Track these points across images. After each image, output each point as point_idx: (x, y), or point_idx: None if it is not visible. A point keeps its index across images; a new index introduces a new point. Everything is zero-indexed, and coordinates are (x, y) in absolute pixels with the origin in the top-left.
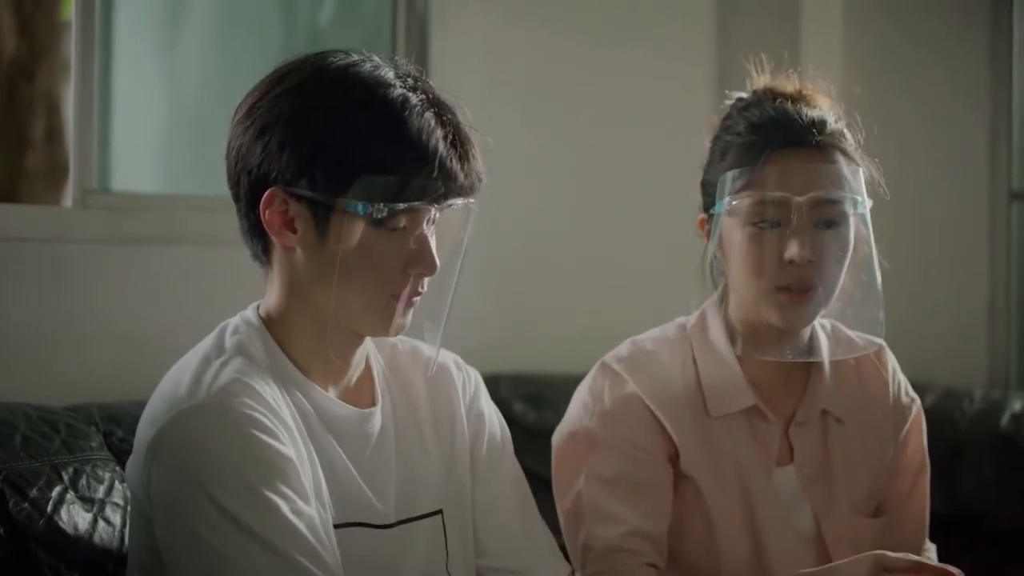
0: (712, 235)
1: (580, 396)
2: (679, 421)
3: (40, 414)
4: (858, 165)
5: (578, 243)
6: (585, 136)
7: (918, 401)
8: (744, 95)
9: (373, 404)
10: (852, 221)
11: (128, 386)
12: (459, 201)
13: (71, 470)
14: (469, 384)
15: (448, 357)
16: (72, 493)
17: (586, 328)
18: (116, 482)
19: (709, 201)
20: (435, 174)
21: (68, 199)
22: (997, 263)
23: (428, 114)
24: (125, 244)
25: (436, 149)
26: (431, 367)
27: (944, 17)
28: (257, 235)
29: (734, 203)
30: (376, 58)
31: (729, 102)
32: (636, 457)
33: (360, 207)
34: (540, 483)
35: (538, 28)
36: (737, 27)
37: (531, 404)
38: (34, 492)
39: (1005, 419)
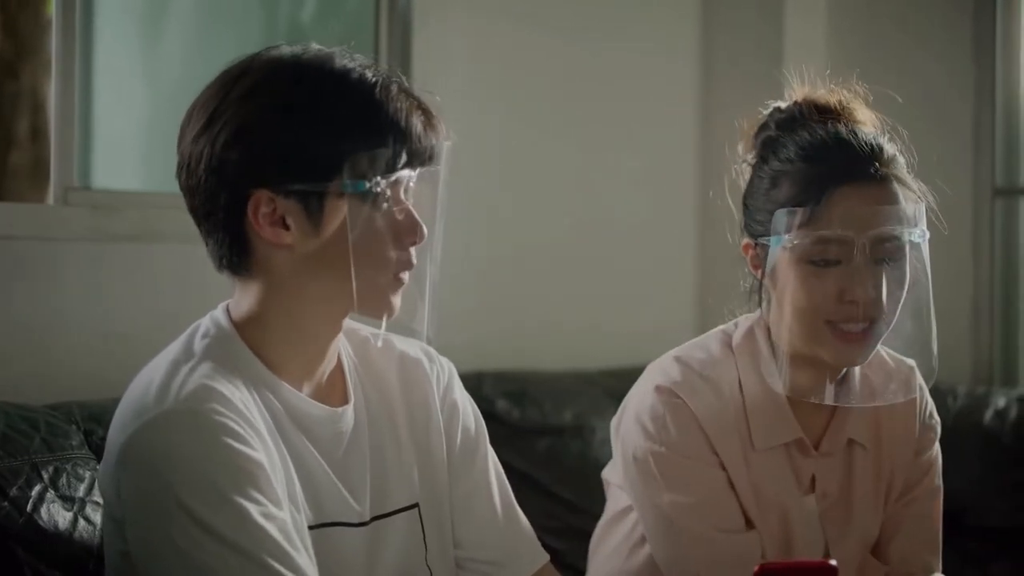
0: (766, 266)
1: (638, 419)
2: (728, 449)
3: (20, 412)
4: (915, 193)
5: (562, 241)
6: (569, 133)
7: (938, 426)
8: (782, 105)
9: (345, 402)
10: (909, 253)
11: (109, 384)
12: (440, 164)
13: (51, 468)
14: (443, 375)
15: (420, 349)
16: (52, 492)
17: (569, 326)
18: (97, 481)
19: (758, 229)
20: (415, 140)
21: (51, 197)
22: (981, 259)
23: (392, 87)
24: (107, 242)
25: (410, 117)
26: (426, 336)
27: (928, 12)
28: (240, 244)
29: (795, 242)
30: (313, 45)
31: (766, 111)
32: (710, 475)
33: (355, 185)
34: (523, 479)
35: (521, 25)
36: (721, 22)
37: (514, 401)
38: (14, 491)
39: (988, 415)
